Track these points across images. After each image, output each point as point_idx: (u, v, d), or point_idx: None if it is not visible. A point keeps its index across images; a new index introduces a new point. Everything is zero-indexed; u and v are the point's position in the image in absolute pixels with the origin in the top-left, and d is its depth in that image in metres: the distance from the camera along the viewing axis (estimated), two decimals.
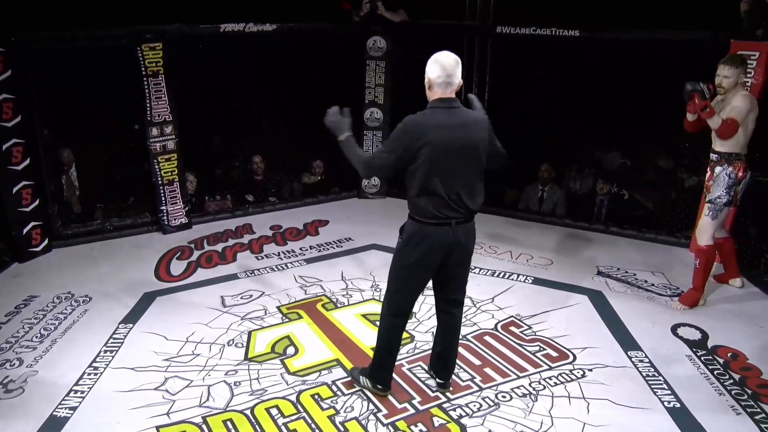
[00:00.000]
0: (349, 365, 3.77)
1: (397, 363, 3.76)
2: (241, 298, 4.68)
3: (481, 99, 6.63)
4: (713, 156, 4.34)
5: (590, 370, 3.73)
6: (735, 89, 4.17)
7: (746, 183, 4.29)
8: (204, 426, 3.25)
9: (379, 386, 3.45)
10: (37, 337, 4.14)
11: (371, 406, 3.39)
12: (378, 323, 3.41)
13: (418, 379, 3.63)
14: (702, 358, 3.86)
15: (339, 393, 3.51)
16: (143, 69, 5.57)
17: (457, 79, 2.99)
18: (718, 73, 4.16)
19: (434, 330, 4.13)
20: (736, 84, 4.16)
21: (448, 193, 2.96)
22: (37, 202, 5.36)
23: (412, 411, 3.35)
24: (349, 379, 3.63)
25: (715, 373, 3.71)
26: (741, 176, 4.23)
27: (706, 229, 4.37)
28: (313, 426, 3.25)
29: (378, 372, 3.43)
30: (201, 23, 5.87)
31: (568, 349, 3.94)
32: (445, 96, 2.98)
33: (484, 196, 3.12)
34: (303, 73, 6.72)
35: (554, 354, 3.90)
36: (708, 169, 4.40)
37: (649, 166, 6.33)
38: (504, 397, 3.47)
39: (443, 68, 2.95)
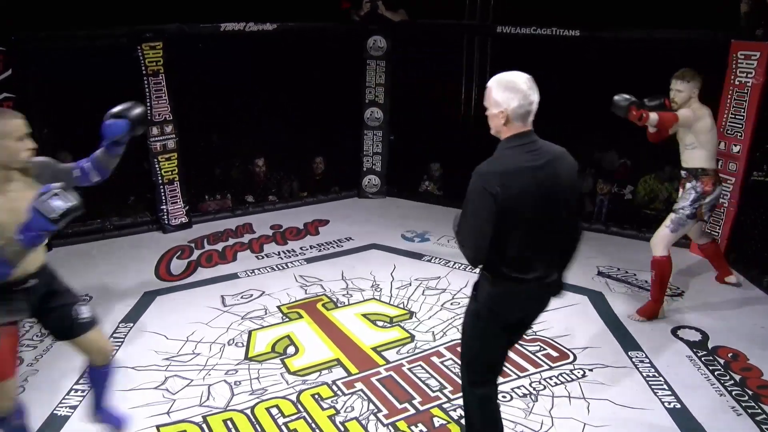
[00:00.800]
0: (349, 365, 3.77)
1: (396, 363, 3.78)
2: (242, 297, 4.68)
3: (482, 98, 6.64)
4: (683, 173, 4.27)
5: (590, 370, 3.73)
6: (689, 103, 4.08)
7: (714, 198, 4.18)
8: (204, 425, 3.25)
9: None
10: (37, 336, 4.13)
11: (371, 406, 3.39)
12: (462, 403, 2.91)
13: (419, 379, 3.63)
14: (702, 359, 3.86)
15: (339, 393, 3.51)
16: (143, 68, 5.57)
17: (537, 105, 2.40)
18: (671, 87, 4.11)
19: (434, 330, 4.15)
20: (689, 98, 4.07)
21: (536, 248, 2.43)
22: None
23: (412, 411, 3.35)
24: (349, 378, 3.63)
25: (715, 373, 3.71)
26: (707, 190, 4.12)
27: (662, 240, 4.19)
28: (313, 426, 3.25)
29: None
30: (201, 22, 5.87)
31: (568, 349, 3.94)
32: (525, 130, 2.41)
33: (578, 242, 2.63)
34: (303, 72, 6.71)
35: (554, 354, 3.90)
36: (680, 187, 4.34)
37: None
38: (504, 397, 3.47)
39: (523, 94, 2.34)
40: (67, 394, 3.51)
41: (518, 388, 3.55)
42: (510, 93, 2.34)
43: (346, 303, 4.59)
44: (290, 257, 5.45)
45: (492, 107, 2.41)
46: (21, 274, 2.53)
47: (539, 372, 3.71)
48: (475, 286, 2.62)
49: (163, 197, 5.95)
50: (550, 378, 3.65)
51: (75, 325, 2.77)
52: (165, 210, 5.98)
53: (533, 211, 2.36)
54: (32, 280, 2.62)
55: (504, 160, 2.38)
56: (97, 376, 2.98)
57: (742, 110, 4.93)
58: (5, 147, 2.48)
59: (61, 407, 3.39)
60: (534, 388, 3.55)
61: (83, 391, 3.52)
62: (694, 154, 4.15)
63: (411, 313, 4.40)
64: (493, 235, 2.34)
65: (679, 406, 3.40)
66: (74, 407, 3.39)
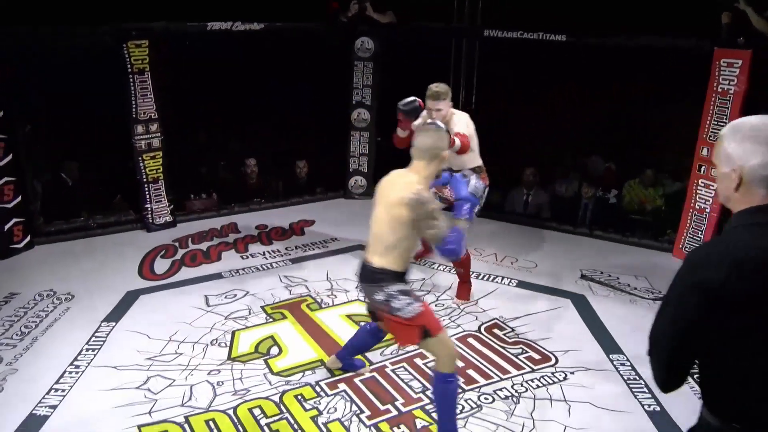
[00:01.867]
0: None
1: (380, 364, 3.79)
2: (225, 297, 4.67)
3: (468, 102, 6.68)
4: (463, 173, 4.21)
5: (572, 372, 3.76)
6: (448, 117, 4.16)
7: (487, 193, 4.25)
8: (186, 425, 3.24)
9: None
10: (17, 334, 4.09)
11: (354, 408, 3.39)
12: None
13: (401, 380, 3.63)
14: None
15: (322, 394, 3.51)
16: (129, 66, 5.53)
17: None
18: (429, 107, 4.13)
19: None
20: (447, 113, 4.17)
21: None
22: (19, 198, 5.31)
23: (394, 413, 3.36)
24: (332, 379, 3.63)
25: (695, 377, 3.74)
26: (487, 183, 4.29)
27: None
28: (295, 426, 3.25)
29: None
30: (188, 21, 5.84)
31: (550, 352, 3.97)
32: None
33: None
34: (291, 72, 6.71)
35: (537, 357, 3.92)
36: (449, 187, 4.10)
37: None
38: (486, 399, 3.49)
39: None
40: (47, 393, 3.48)
41: (500, 390, 3.57)
42: (751, 145, 1.55)
43: (331, 304, 4.59)
44: (275, 257, 5.44)
45: (722, 164, 1.62)
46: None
47: (521, 374, 3.73)
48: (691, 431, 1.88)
49: (148, 196, 5.91)
50: (532, 380, 3.67)
51: None
52: (149, 209, 5.94)
53: None
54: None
55: (733, 244, 1.58)
56: (380, 334, 3.51)
57: (725, 117, 4.99)
58: (443, 158, 3.05)
59: (41, 407, 3.36)
60: (516, 391, 3.57)
61: (63, 390, 3.50)
62: (469, 156, 4.27)
63: None
64: (722, 356, 1.67)
65: (658, 409, 3.43)
66: (54, 407, 3.36)
